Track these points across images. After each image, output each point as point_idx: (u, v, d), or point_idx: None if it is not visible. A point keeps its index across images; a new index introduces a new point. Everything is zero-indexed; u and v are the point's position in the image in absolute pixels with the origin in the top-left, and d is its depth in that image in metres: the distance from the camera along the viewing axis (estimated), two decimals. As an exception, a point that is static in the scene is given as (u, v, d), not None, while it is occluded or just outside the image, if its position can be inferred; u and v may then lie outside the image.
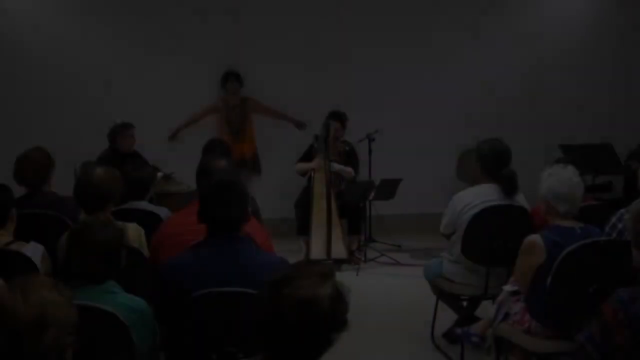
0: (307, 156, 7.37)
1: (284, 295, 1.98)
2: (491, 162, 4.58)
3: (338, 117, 7.26)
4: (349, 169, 7.29)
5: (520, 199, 4.61)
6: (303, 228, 7.11)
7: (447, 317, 5.00)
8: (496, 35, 8.43)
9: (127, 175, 4.54)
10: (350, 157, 7.39)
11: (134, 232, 3.82)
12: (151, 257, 3.68)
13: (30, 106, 7.82)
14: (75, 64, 7.87)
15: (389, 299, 6.09)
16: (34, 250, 3.60)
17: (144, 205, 4.60)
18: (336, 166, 7.20)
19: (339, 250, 6.90)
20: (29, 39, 7.81)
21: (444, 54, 8.33)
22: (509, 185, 4.52)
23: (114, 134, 6.78)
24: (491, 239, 4.42)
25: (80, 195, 3.91)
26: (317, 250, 6.88)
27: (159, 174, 6.46)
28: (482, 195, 4.55)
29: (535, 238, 3.70)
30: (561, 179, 3.69)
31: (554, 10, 8.55)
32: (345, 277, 6.23)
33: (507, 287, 3.99)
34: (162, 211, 4.50)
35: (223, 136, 7.23)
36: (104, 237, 2.87)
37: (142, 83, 7.92)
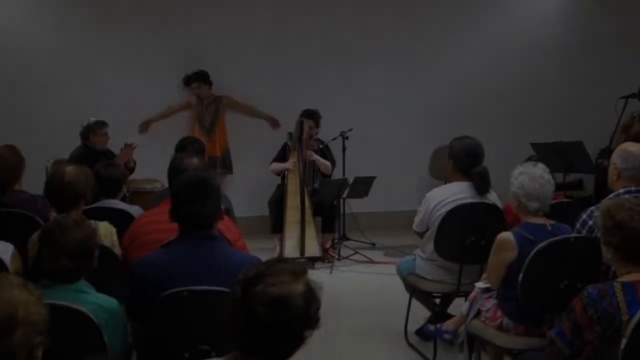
0: (282, 155, 7.37)
1: (256, 293, 1.97)
2: (464, 159, 4.61)
3: (311, 115, 7.27)
4: (326, 162, 7.29)
5: (493, 197, 4.65)
6: (277, 226, 7.11)
7: (420, 314, 5.02)
8: (470, 34, 8.49)
9: (99, 174, 4.52)
10: (324, 154, 7.39)
11: (105, 230, 3.79)
12: (123, 256, 3.66)
13: (2, 104, 7.72)
14: (47, 62, 7.78)
15: (362, 297, 6.10)
16: (3, 249, 3.57)
17: (116, 203, 4.57)
18: (315, 156, 7.21)
19: (312, 248, 6.92)
20: (1, 38, 7.71)
21: (418, 53, 8.37)
22: (481, 183, 4.56)
23: (87, 131, 6.72)
24: (464, 237, 4.45)
25: (52, 193, 3.87)
26: (290, 248, 6.89)
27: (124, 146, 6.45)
28: (454, 192, 4.58)
29: (507, 235, 3.73)
30: (532, 177, 3.72)
31: (527, 9, 8.63)
32: (318, 274, 6.30)
33: (480, 284, 4.02)
34: (135, 209, 4.48)
35: (194, 133, 7.27)
36: (75, 236, 2.84)
37: (115, 82, 7.85)
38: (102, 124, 6.77)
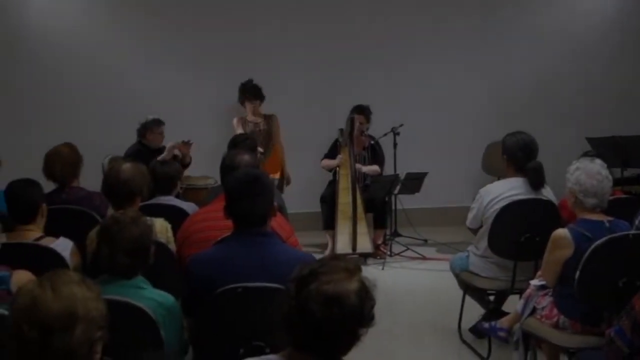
0: (333, 151, 7.38)
1: (311, 291, 1.98)
2: (517, 155, 4.56)
3: (362, 111, 7.26)
4: (375, 168, 7.28)
5: (547, 192, 4.58)
6: (329, 222, 7.12)
7: (474, 311, 4.98)
8: (522, 29, 8.38)
9: (155, 171, 4.60)
10: (374, 151, 7.38)
11: (161, 227, 3.85)
12: (177, 252, 3.71)
13: (59, 101, 7.90)
14: (105, 60, 7.92)
15: (415, 294, 6.08)
16: (63, 246, 3.65)
17: (171, 200, 4.64)
18: (363, 168, 7.20)
19: (364, 244, 6.90)
20: (59, 35, 7.89)
21: (471, 49, 8.28)
22: (535, 178, 4.49)
23: (144, 129, 6.80)
24: (518, 233, 4.40)
25: (109, 190, 3.95)
26: (342, 245, 6.89)
27: (177, 142, 6.48)
28: (509, 188, 4.53)
29: (563, 232, 3.67)
30: (589, 173, 3.65)
31: (580, 4, 8.47)
32: (370, 271, 6.29)
33: (535, 282, 3.96)
34: (189, 206, 4.54)
35: None
36: (132, 233, 2.89)
37: (171, 79, 7.96)
38: (158, 122, 6.85)
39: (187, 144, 6.59)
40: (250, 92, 7.39)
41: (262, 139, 7.17)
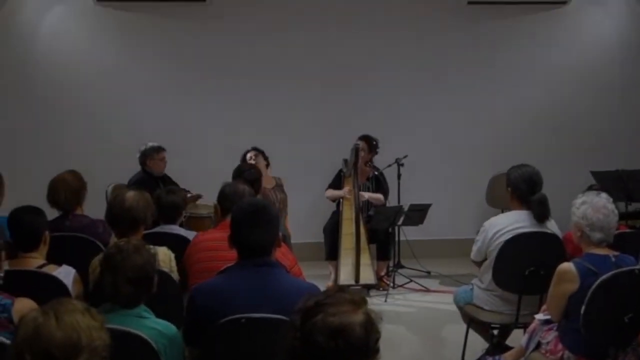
0: (337, 181, 7.37)
1: (316, 322, 1.96)
2: (522, 187, 4.54)
3: (367, 141, 7.26)
4: (379, 196, 7.27)
5: (552, 226, 4.56)
6: (332, 253, 7.09)
7: (478, 345, 4.94)
8: (527, 63, 8.43)
9: (160, 200, 4.59)
10: (378, 182, 7.37)
11: (164, 256, 3.83)
12: (180, 281, 3.70)
13: (64, 128, 7.95)
14: (112, 88, 8.02)
15: (418, 326, 6.04)
16: (65, 273, 3.64)
17: (175, 229, 4.62)
18: (366, 195, 7.20)
19: (367, 275, 6.87)
20: (65, 63, 7.97)
21: (475, 81, 8.34)
22: (540, 210, 4.47)
23: (144, 156, 6.82)
24: (523, 266, 4.37)
25: (112, 218, 3.94)
26: (345, 276, 6.85)
27: (188, 195, 6.48)
28: (513, 221, 4.51)
29: (568, 266, 3.65)
30: (595, 207, 3.64)
31: (585, 38, 8.52)
32: (373, 303, 6.24)
33: (539, 316, 3.94)
34: (193, 235, 4.52)
35: None
36: (136, 262, 2.88)
37: (173, 108, 8.04)
38: (158, 149, 6.86)
39: (197, 197, 6.58)
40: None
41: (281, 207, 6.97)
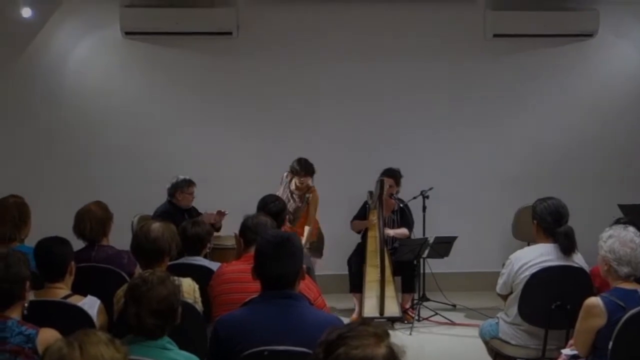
0: (362, 213, 7.36)
1: (339, 355, 1.95)
2: (547, 220, 4.52)
3: (392, 174, 7.25)
4: (404, 231, 7.24)
5: (579, 259, 4.52)
6: (356, 285, 7.06)
7: (504, 379, 4.87)
8: (553, 94, 8.41)
9: (185, 231, 4.62)
10: (403, 214, 7.35)
11: (188, 287, 3.84)
12: (204, 312, 3.71)
13: (91, 158, 8.05)
14: (138, 118, 8.13)
15: (443, 359, 5.98)
16: (90, 304, 3.65)
17: (199, 260, 4.64)
18: (391, 232, 7.17)
19: (392, 308, 6.82)
20: (92, 92, 8.10)
21: (500, 112, 8.34)
22: (566, 243, 4.44)
23: (174, 189, 6.85)
24: (549, 300, 4.34)
25: (137, 249, 3.96)
26: (370, 308, 6.81)
27: (213, 212, 6.52)
28: (539, 254, 4.48)
29: (595, 300, 3.61)
30: (623, 241, 3.61)
31: (611, 68, 8.49)
32: (398, 336, 6.20)
33: (567, 351, 3.88)
34: (217, 266, 4.52)
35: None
36: (160, 293, 2.88)
37: (200, 140, 8.12)
38: (189, 183, 6.89)
39: (222, 214, 6.63)
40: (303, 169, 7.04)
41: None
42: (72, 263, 3.81)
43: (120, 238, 4.95)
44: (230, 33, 8.03)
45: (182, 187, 6.84)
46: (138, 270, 4.12)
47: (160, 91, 8.17)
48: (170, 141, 8.12)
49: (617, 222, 4.48)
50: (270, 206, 5.03)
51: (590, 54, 8.41)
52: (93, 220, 4.65)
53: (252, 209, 5.08)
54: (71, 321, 3.37)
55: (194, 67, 8.15)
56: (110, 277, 4.25)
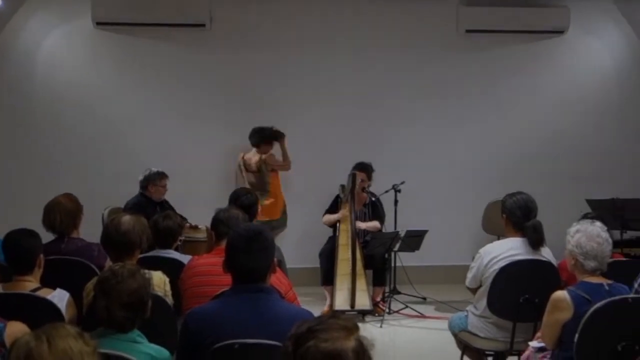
0: (334, 207, 7.39)
1: (308, 348, 1.96)
2: (517, 213, 4.56)
3: (364, 168, 7.28)
4: (375, 224, 7.28)
5: (547, 253, 4.58)
6: (327, 278, 7.08)
7: (472, 372, 4.92)
8: (525, 90, 8.49)
9: (157, 224, 4.60)
10: (375, 207, 7.38)
11: (158, 280, 3.83)
12: (175, 305, 3.70)
13: (60, 151, 7.97)
14: (107, 112, 8.06)
15: (412, 352, 6.03)
16: (59, 297, 3.63)
17: (170, 253, 4.62)
18: (362, 225, 7.21)
19: (363, 301, 6.86)
20: (61, 87, 8.01)
21: (472, 108, 8.39)
22: (534, 236, 4.49)
23: (147, 181, 6.81)
24: (517, 294, 4.38)
25: (107, 242, 3.94)
26: (341, 301, 6.84)
27: (187, 224, 6.48)
28: (508, 248, 4.52)
29: (562, 294, 3.65)
30: (589, 235, 3.65)
31: (583, 66, 8.57)
32: (368, 328, 6.24)
33: (534, 343, 3.93)
34: (188, 259, 4.51)
35: None
36: (130, 286, 2.87)
37: (171, 133, 8.07)
38: (162, 176, 6.85)
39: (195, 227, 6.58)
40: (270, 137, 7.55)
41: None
42: (41, 256, 3.77)
43: (90, 231, 4.91)
44: (203, 25, 8.00)
45: (154, 179, 6.81)
46: (108, 263, 4.09)
47: (132, 83, 8.11)
48: (142, 133, 8.07)
49: (585, 217, 4.54)
50: (242, 199, 5.03)
51: (561, 50, 8.49)
52: (63, 213, 4.61)
53: (225, 202, 5.09)
54: (40, 314, 3.34)
55: (167, 59, 8.10)
56: (80, 270, 4.21)
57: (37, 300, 3.54)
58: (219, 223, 4.12)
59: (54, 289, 3.67)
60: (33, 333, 1.98)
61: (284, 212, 7.67)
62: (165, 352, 2.92)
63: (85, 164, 7.95)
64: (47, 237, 4.48)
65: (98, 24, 7.89)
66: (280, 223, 7.56)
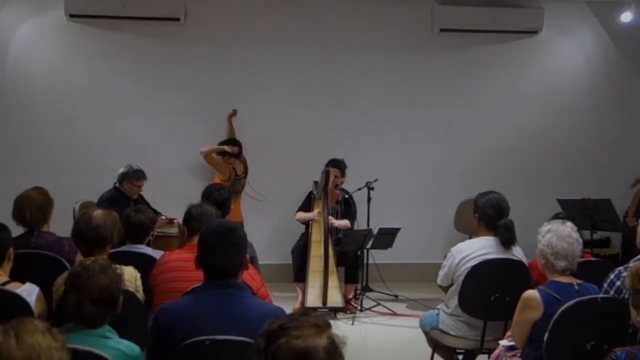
0: (307, 203, 7.39)
1: (280, 346, 1.96)
2: (489, 212, 4.59)
3: (337, 164, 7.29)
4: (346, 222, 7.30)
5: (518, 252, 4.61)
6: (300, 275, 7.08)
7: (443, 369, 4.95)
8: (495, 91, 8.55)
9: (128, 219, 4.56)
10: (347, 205, 7.39)
11: (130, 275, 3.80)
12: (146, 301, 3.68)
13: (33, 145, 7.88)
14: (80, 105, 7.97)
15: (384, 349, 6.05)
16: (29, 291, 3.58)
17: (142, 248, 4.59)
18: (335, 222, 7.22)
19: (335, 298, 6.87)
20: (34, 79, 7.92)
21: (446, 107, 8.42)
22: (506, 235, 4.52)
23: (123, 177, 6.73)
24: (488, 292, 4.41)
25: (78, 237, 3.89)
26: (313, 298, 6.85)
27: (162, 217, 6.45)
28: (480, 247, 4.55)
29: (532, 293, 3.68)
30: (560, 236, 3.68)
31: (556, 66, 8.64)
32: (340, 325, 6.24)
33: (504, 342, 3.96)
34: (160, 255, 4.48)
35: None
36: (101, 281, 2.85)
37: (144, 127, 8.02)
38: (140, 175, 6.78)
39: (170, 220, 6.53)
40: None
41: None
42: (11, 249, 3.73)
43: (62, 224, 4.86)
44: (177, 19, 7.94)
45: (131, 177, 6.76)
46: (79, 257, 4.05)
47: (105, 76, 8.04)
48: (114, 127, 8.00)
49: (556, 216, 4.58)
50: (214, 195, 5.01)
51: (534, 50, 8.55)
52: (33, 207, 4.56)
53: (199, 197, 5.07)
54: (9, 309, 3.30)
55: (140, 53, 8.04)
56: (50, 264, 4.18)
57: (5, 295, 3.50)
58: (191, 219, 4.10)
59: (24, 283, 3.63)
60: (1, 328, 1.95)
61: None
62: (135, 348, 2.89)
63: (57, 157, 7.87)
64: (17, 230, 4.43)
65: (71, 16, 7.80)
66: None
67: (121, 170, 6.76)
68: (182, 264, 3.64)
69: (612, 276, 3.71)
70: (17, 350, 1.87)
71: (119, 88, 8.03)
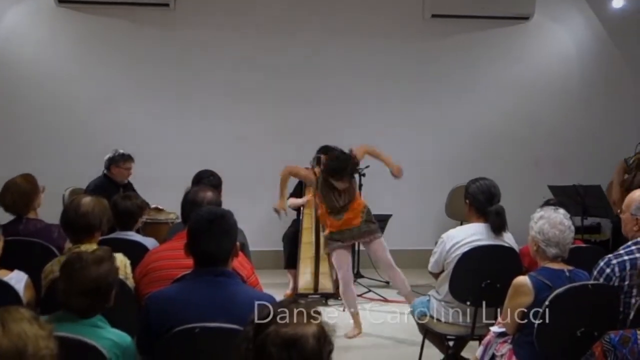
0: (298, 190, 7.37)
1: (269, 333, 1.95)
2: (479, 199, 4.59)
3: (329, 151, 7.24)
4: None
5: (509, 239, 4.61)
6: (290, 261, 7.08)
7: (434, 356, 4.95)
8: (489, 77, 8.54)
9: (117, 205, 4.52)
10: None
11: (120, 263, 3.75)
12: (135, 288, 3.65)
13: (22, 132, 7.83)
14: (71, 92, 7.94)
15: (374, 336, 6.04)
16: (17, 279, 3.56)
17: (131, 235, 4.56)
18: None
19: (326, 284, 6.88)
20: (23, 65, 7.86)
21: (437, 93, 8.42)
22: (497, 221, 4.52)
23: (110, 162, 6.69)
24: (479, 279, 4.41)
25: (67, 224, 3.86)
26: (304, 284, 6.85)
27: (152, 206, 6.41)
28: (471, 234, 4.55)
29: (523, 279, 3.67)
30: (552, 223, 3.67)
31: (546, 53, 8.64)
32: (331, 312, 6.22)
33: (495, 328, 3.96)
34: (150, 242, 4.47)
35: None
36: (94, 273, 2.81)
37: (133, 113, 7.97)
38: (126, 158, 6.73)
39: (157, 209, 6.49)
40: None
41: None
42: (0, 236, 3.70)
43: (52, 211, 4.83)
44: (167, 5, 7.90)
45: (117, 161, 6.70)
46: (68, 244, 4.02)
47: (95, 62, 7.99)
48: (104, 113, 7.97)
49: (547, 203, 4.57)
50: (204, 182, 4.98)
51: (525, 37, 8.54)
52: (16, 193, 4.53)
53: (189, 183, 5.04)
54: (-3, 296, 3.29)
55: (130, 39, 8.00)
56: (39, 252, 4.15)
57: (-7, 282, 3.48)
58: (186, 205, 4.02)
59: (12, 270, 3.60)
60: (-13, 316, 1.94)
61: None
62: (127, 337, 2.87)
63: (47, 143, 7.83)
64: (5, 218, 4.40)
65: (60, 1, 7.76)
66: None
67: (107, 155, 6.71)
68: (172, 252, 3.61)
69: (601, 264, 3.71)
70: (3, 338, 1.85)
71: (108, 74, 7.99)
